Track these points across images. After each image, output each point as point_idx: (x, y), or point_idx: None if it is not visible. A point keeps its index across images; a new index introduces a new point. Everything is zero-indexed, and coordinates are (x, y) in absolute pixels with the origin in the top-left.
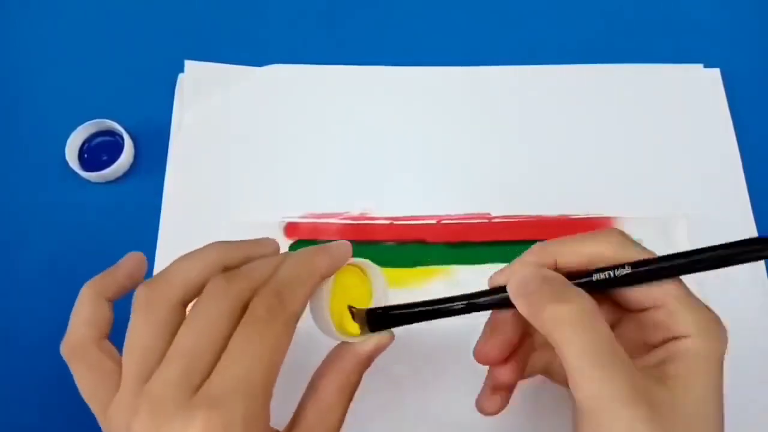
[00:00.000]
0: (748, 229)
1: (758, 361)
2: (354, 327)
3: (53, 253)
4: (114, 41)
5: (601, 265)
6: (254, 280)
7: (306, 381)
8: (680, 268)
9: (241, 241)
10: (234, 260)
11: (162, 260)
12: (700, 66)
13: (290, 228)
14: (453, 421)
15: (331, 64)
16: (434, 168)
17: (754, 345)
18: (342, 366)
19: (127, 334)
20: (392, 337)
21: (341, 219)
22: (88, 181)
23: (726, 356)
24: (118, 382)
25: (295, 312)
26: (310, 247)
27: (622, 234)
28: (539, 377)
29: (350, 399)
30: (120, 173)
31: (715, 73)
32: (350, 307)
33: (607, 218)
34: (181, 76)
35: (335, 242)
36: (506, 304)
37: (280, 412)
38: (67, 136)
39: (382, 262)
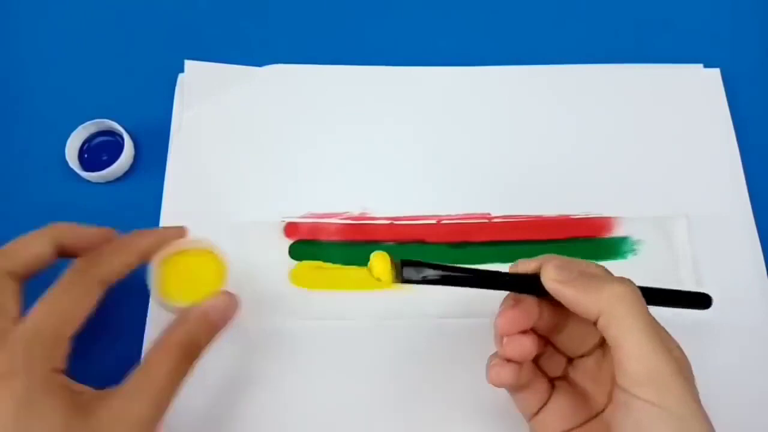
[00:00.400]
0: (748, 229)
1: (759, 361)
2: (185, 297)
3: None
4: (114, 41)
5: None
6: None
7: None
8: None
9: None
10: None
11: None
12: (700, 66)
13: (290, 228)
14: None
15: (331, 64)
16: (434, 168)
17: (754, 344)
18: (178, 328)
19: None
20: (229, 301)
21: (341, 219)
22: (88, 181)
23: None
24: None
25: (99, 275)
26: (141, 230)
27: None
28: None
29: (182, 367)
30: (120, 173)
31: (715, 73)
32: (392, 259)
33: (607, 218)
34: (181, 76)
35: (167, 227)
36: (527, 288)
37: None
38: (67, 136)
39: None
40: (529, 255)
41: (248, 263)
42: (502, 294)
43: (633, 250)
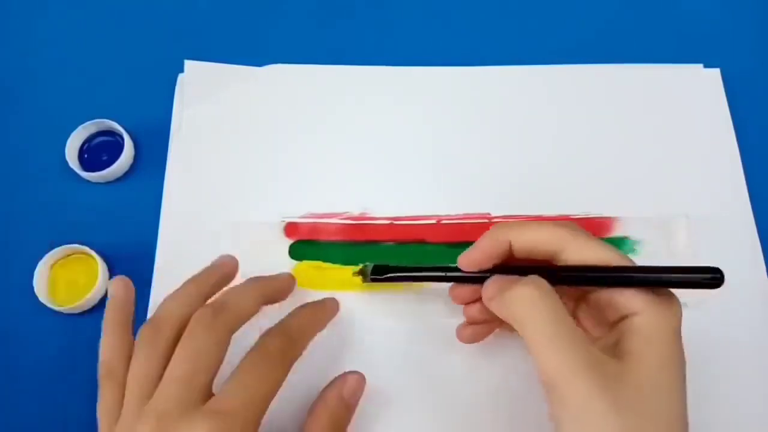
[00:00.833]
0: (748, 229)
1: (759, 361)
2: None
3: None
4: (114, 41)
5: (546, 247)
6: (237, 314)
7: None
8: (638, 281)
9: (206, 269)
10: (209, 288)
11: (162, 260)
12: (700, 66)
13: (290, 228)
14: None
15: (332, 64)
16: (434, 168)
17: (754, 344)
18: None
19: (131, 366)
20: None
21: (341, 219)
22: (88, 181)
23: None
24: None
25: (298, 356)
26: (313, 303)
27: (570, 228)
28: None
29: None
30: (120, 173)
31: (715, 73)
32: (365, 266)
33: (607, 218)
34: (181, 76)
35: (328, 299)
36: (470, 279)
37: None
38: (67, 136)
39: (382, 262)
40: None
41: (248, 263)
42: None
43: (633, 250)
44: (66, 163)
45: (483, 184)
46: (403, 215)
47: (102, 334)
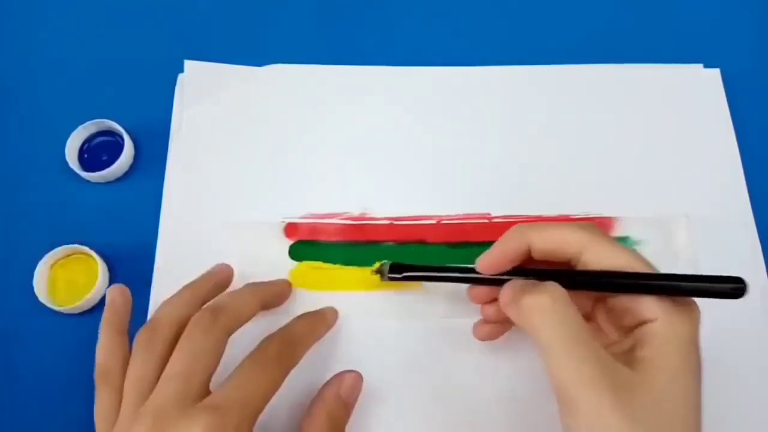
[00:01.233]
0: (748, 229)
1: (759, 361)
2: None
3: None
4: (114, 41)
5: (565, 250)
6: (235, 317)
7: None
8: (658, 289)
9: (202, 276)
10: (205, 293)
11: (162, 260)
12: (700, 66)
13: (290, 228)
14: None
15: (331, 64)
16: (434, 168)
17: (754, 345)
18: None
19: (129, 369)
20: (357, 377)
21: (341, 219)
22: (88, 181)
23: (726, 357)
24: None
25: (296, 362)
26: (313, 312)
27: (591, 231)
28: None
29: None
30: (120, 173)
31: (715, 73)
32: (382, 264)
33: (608, 218)
34: (181, 76)
35: (327, 308)
36: (489, 281)
37: None
38: (67, 136)
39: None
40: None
41: (248, 263)
42: None
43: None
44: (66, 163)
45: (483, 184)
46: (403, 215)
47: (98, 338)
